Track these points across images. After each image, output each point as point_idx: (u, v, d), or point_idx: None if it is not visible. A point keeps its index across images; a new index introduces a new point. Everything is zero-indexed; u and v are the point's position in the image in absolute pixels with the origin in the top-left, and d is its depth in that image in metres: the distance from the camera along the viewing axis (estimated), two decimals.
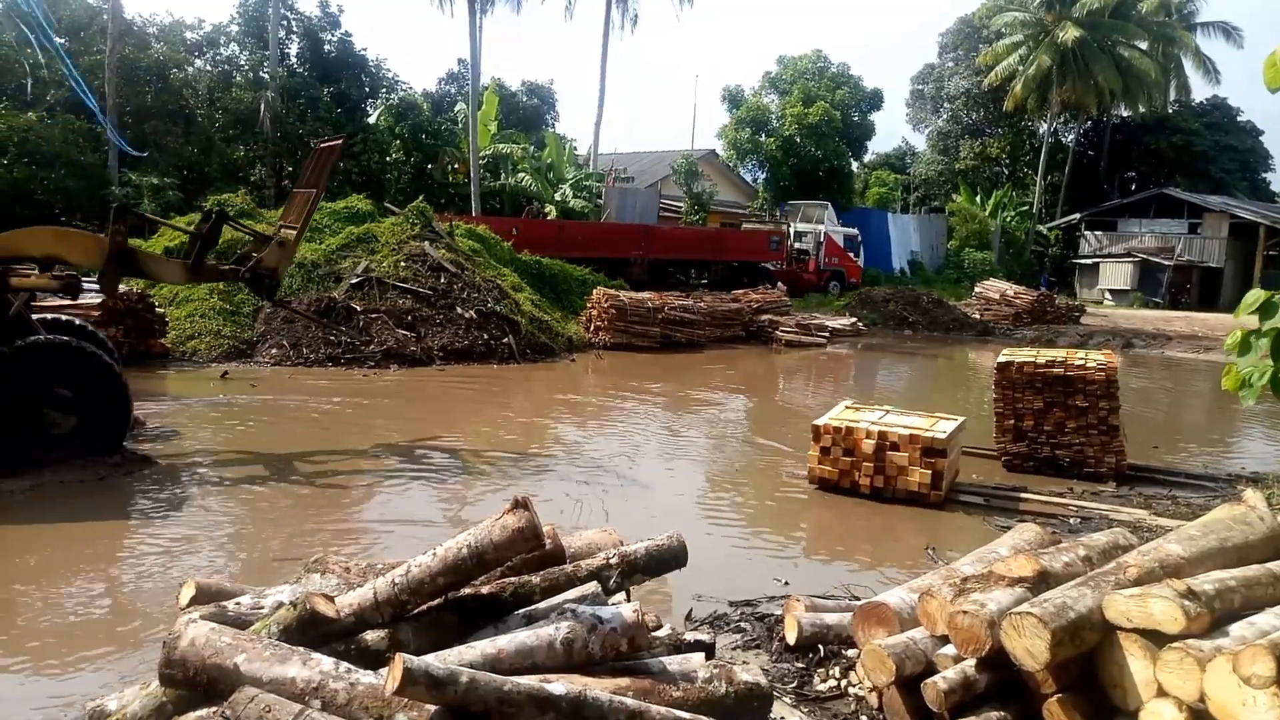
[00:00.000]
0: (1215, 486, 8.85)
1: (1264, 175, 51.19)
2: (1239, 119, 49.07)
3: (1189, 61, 43.31)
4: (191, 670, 2.88)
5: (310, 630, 3.07)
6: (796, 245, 32.81)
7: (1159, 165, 47.38)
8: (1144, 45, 41.48)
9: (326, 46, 31.58)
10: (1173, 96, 45.03)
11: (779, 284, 28.03)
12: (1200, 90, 46.06)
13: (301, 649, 2.91)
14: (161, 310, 14.78)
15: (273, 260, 8.70)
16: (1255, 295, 2.95)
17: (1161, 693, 3.13)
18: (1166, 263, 41.62)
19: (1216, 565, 3.77)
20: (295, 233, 8.80)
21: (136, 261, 8.32)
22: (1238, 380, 3.30)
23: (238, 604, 3.48)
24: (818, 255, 32.73)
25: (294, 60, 31.76)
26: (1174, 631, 3.15)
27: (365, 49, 33.32)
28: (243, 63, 31.19)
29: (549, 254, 22.84)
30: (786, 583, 5.90)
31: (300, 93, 29.69)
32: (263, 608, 3.43)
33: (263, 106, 28.10)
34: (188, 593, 3.62)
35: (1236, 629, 3.25)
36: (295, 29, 31.63)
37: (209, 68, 30.85)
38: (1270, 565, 3.76)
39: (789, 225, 33.66)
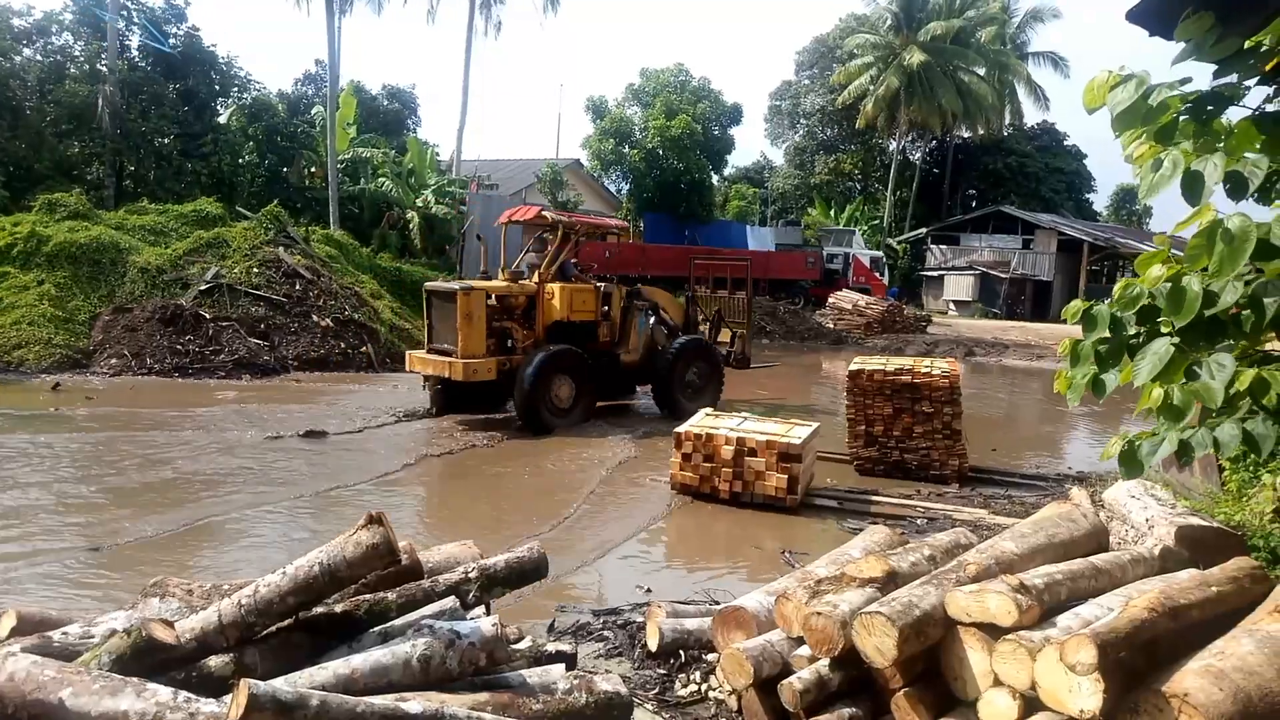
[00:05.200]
0: (1046, 486, 9.37)
1: (1087, 196, 55.32)
2: (1066, 143, 52.79)
3: (1022, 88, 46.27)
4: (11, 707, 2.66)
5: (146, 659, 2.88)
6: (828, 266, 37.34)
7: (996, 184, 50.36)
8: (982, 71, 44.03)
9: (172, 40, 29.95)
10: (1007, 120, 47.89)
11: (814, 299, 33.23)
12: (1032, 115, 49.37)
13: (135, 679, 2.73)
14: None
15: (740, 347, 14.11)
16: (1076, 305, 3.17)
17: (997, 682, 3.30)
18: (1003, 276, 44.23)
19: (1046, 560, 4.01)
20: (746, 326, 14.83)
21: (695, 326, 13.63)
22: (1067, 384, 3.51)
23: (65, 634, 3.23)
24: (847, 275, 37.21)
25: (136, 54, 29.92)
26: (1008, 624, 3.33)
27: (215, 45, 31.69)
28: (78, 54, 29.16)
29: (631, 271, 25.84)
30: (649, 589, 5.95)
31: (143, 88, 28.01)
32: (93, 637, 3.19)
33: (100, 101, 26.36)
34: (7, 623, 3.33)
35: (1063, 620, 3.45)
36: (137, 20, 29.84)
37: (39, 58, 28.68)
38: (1092, 559, 4.04)
39: (823, 248, 39.05)
